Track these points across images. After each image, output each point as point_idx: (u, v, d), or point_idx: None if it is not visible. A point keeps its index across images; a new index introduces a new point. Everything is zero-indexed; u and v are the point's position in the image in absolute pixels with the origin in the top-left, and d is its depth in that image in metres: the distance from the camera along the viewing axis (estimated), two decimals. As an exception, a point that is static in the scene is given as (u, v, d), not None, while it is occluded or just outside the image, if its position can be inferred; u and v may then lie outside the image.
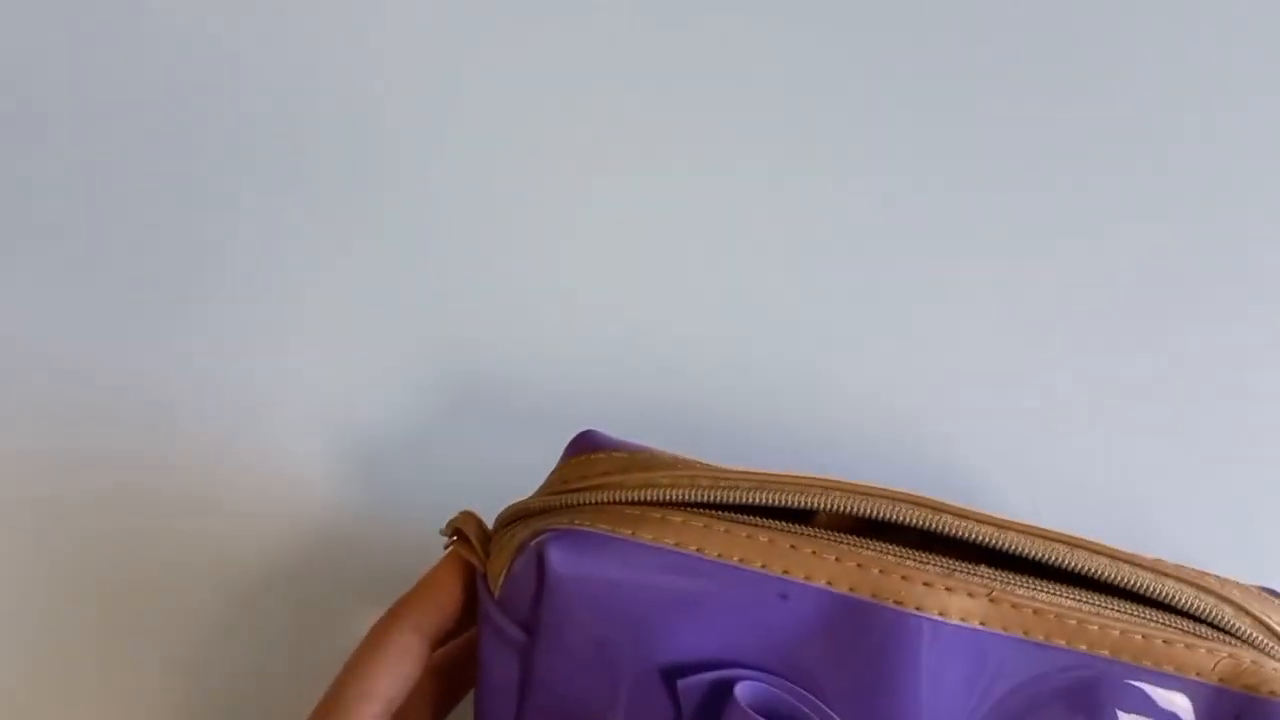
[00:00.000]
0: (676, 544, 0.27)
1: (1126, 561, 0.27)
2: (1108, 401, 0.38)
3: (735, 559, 0.27)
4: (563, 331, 0.39)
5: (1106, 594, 0.27)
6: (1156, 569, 0.27)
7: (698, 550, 0.27)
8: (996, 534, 0.27)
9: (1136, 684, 0.26)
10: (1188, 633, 0.26)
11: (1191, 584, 0.27)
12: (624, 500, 0.28)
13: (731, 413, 0.39)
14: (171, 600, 0.38)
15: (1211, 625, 0.26)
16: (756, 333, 0.39)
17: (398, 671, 0.30)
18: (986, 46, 0.40)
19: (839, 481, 0.28)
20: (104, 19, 0.41)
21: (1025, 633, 0.26)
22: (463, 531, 0.30)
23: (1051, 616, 0.26)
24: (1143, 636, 0.26)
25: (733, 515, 0.28)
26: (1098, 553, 0.27)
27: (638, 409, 0.39)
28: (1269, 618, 0.27)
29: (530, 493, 0.31)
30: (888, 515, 0.27)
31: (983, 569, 0.27)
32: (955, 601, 0.26)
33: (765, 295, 0.39)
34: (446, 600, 0.30)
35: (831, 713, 0.26)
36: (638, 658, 0.27)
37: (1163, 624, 0.26)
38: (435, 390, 0.39)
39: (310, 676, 0.32)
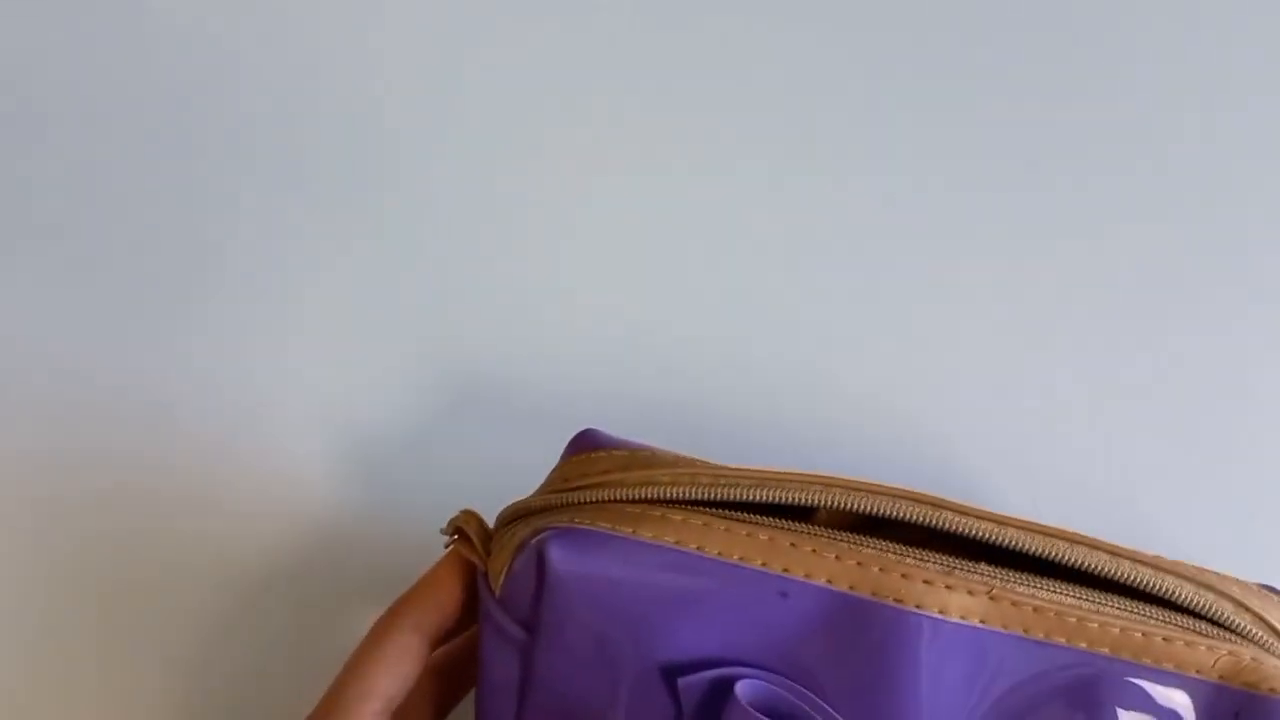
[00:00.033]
0: (677, 542, 0.27)
1: (1126, 557, 0.27)
2: (1108, 401, 0.38)
3: (735, 557, 0.27)
4: (563, 331, 0.39)
5: (1106, 591, 0.27)
6: (1156, 565, 0.27)
7: (698, 548, 0.27)
8: (996, 529, 0.27)
9: (1136, 681, 0.26)
10: (1188, 630, 0.26)
11: (1191, 580, 0.27)
12: (624, 498, 0.28)
13: (731, 413, 0.39)
14: (171, 600, 0.38)
15: (1211, 621, 0.26)
16: (756, 333, 0.39)
17: (398, 671, 0.30)
18: (986, 46, 0.40)
19: (839, 479, 0.28)
20: (104, 19, 0.41)
21: (1025, 630, 0.26)
22: (464, 530, 0.30)
23: (1051, 614, 0.26)
24: (1143, 634, 0.26)
25: (733, 513, 0.28)
26: (1097, 548, 0.27)
27: (638, 409, 0.39)
28: (1269, 614, 0.27)
29: (531, 492, 0.31)
30: (888, 512, 0.27)
31: (983, 567, 0.27)
32: (955, 599, 0.26)
33: (765, 295, 0.39)
34: (447, 599, 0.30)
35: (832, 711, 0.26)
36: (638, 656, 0.27)
37: (1163, 621, 0.26)
38: (435, 390, 0.39)
39: (310, 676, 0.32)
